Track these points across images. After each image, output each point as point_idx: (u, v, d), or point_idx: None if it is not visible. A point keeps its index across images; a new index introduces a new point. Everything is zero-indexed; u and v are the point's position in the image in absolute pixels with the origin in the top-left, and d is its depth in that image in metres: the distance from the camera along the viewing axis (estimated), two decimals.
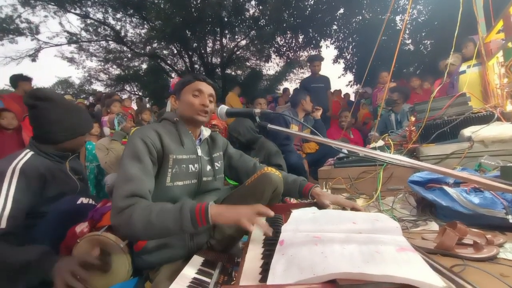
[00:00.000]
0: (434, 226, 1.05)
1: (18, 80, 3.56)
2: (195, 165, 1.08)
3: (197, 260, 0.85)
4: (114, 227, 0.84)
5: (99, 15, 9.97)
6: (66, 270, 0.84)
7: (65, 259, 0.90)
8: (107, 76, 12.12)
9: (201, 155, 1.12)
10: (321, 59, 4.25)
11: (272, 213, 0.79)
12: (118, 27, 10.44)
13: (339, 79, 11.27)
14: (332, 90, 5.87)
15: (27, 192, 1.03)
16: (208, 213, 0.80)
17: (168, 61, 11.65)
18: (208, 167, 1.14)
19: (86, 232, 1.03)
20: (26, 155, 1.11)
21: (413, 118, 1.93)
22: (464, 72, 2.92)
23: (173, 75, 11.65)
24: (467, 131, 1.52)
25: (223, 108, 1.04)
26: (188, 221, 0.79)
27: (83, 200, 1.16)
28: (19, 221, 0.99)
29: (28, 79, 3.62)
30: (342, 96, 6.17)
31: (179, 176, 1.02)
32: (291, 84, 12.61)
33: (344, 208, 1.03)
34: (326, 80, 4.18)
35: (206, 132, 1.20)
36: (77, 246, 0.99)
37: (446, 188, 1.07)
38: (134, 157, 0.91)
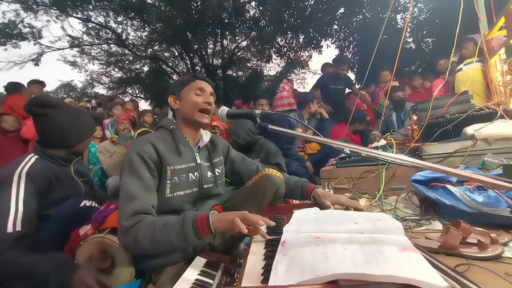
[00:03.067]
0: (437, 225, 1.04)
1: (32, 83, 3.77)
2: (195, 173, 1.06)
3: (199, 262, 0.85)
4: (122, 246, 0.87)
5: (101, 19, 10.07)
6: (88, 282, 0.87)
7: (83, 269, 0.92)
8: (109, 79, 12.22)
9: (200, 163, 1.10)
10: (349, 63, 4.02)
11: (262, 223, 0.75)
12: (119, 30, 10.54)
13: None
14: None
15: (35, 195, 1.04)
16: (210, 222, 0.81)
17: (170, 63, 11.71)
18: (209, 174, 1.12)
19: (89, 234, 1.03)
20: (30, 160, 1.12)
21: (415, 117, 1.92)
22: (460, 70, 2.89)
23: (174, 77, 11.69)
24: (470, 129, 1.51)
25: (224, 109, 1.04)
26: (191, 233, 0.81)
27: (86, 202, 1.17)
28: (33, 223, 1.01)
29: (41, 83, 3.81)
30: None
31: (179, 186, 1.01)
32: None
33: (346, 208, 1.02)
34: (347, 81, 4.01)
35: (206, 137, 1.17)
36: (80, 248, 0.99)
37: (449, 187, 1.06)
38: (133, 174, 0.91)
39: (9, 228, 0.94)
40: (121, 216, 0.85)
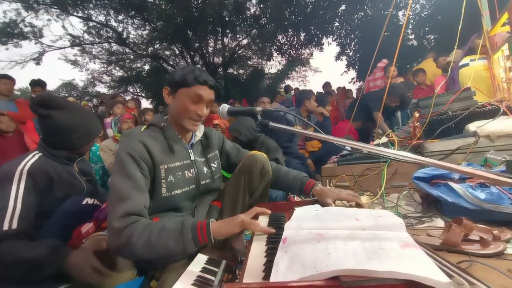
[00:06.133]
0: (439, 222, 1.04)
1: (33, 85, 3.73)
2: (191, 170, 1.05)
3: (201, 259, 0.85)
4: (113, 249, 0.82)
5: (101, 17, 10.08)
6: (85, 265, 0.89)
7: (79, 252, 0.94)
8: (110, 78, 12.23)
9: (195, 159, 1.08)
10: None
11: (268, 212, 0.83)
12: (120, 29, 10.54)
13: (342, 76, 11.27)
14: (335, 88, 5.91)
15: (35, 192, 1.05)
16: (210, 230, 0.81)
17: (170, 62, 11.71)
18: (205, 169, 1.11)
19: (91, 232, 1.04)
20: (34, 157, 1.12)
21: (417, 114, 1.91)
22: (466, 65, 2.87)
23: None
24: (472, 126, 1.50)
25: (225, 107, 1.03)
26: (190, 241, 0.80)
27: (88, 200, 1.17)
28: (30, 221, 1.01)
29: (40, 84, 3.75)
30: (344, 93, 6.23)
31: (176, 184, 0.99)
32: (293, 82, 12.58)
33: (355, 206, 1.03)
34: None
35: (199, 132, 1.14)
36: (82, 246, 1.00)
37: (451, 184, 1.05)
38: (124, 174, 0.87)
39: (5, 226, 0.94)
40: (111, 217, 0.81)
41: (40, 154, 1.15)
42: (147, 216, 0.88)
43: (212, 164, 1.15)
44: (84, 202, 1.15)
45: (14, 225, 0.96)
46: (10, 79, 3.11)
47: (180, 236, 0.80)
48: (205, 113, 1.03)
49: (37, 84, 3.72)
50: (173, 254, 0.85)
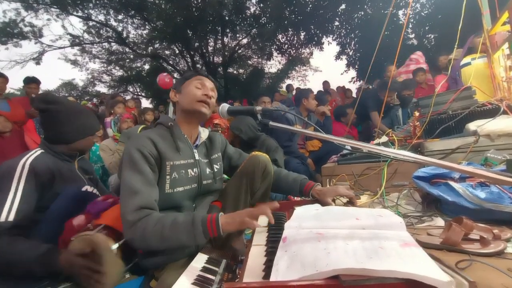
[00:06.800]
0: (439, 221, 1.04)
1: (27, 82, 3.64)
2: (194, 170, 1.07)
3: (201, 258, 0.86)
4: (128, 240, 0.87)
5: (101, 17, 10.07)
6: (75, 267, 0.89)
7: (65, 255, 0.93)
8: (110, 77, 12.22)
9: (198, 159, 1.10)
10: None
11: (277, 205, 0.86)
12: (120, 29, 10.54)
13: (342, 75, 11.25)
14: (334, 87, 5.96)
15: (36, 187, 1.06)
16: (219, 224, 0.84)
17: (170, 61, 11.71)
18: (208, 170, 1.14)
19: (83, 225, 1.02)
20: (35, 153, 1.14)
21: (417, 113, 1.91)
22: (468, 64, 2.87)
23: (175, 75, 11.69)
24: (472, 125, 1.49)
25: (225, 106, 1.04)
26: (201, 234, 0.84)
27: (88, 188, 1.21)
28: (28, 214, 1.02)
29: (35, 81, 3.68)
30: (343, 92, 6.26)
31: (179, 182, 1.02)
32: (293, 82, 12.57)
33: (347, 204, 1.03)
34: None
35: (204, 134, 1.18)
36: (71, 244, 0.97)
37: (451, 183, 1.05)
38: (134, 169, 0.92)
39: (2, 218, 0.95)
40: (125, 211, 0.86)
41: (41, 150, 1.18)
42: (157, 209, 0.91)
43: (214, 166, 1.17)
44: (83, 189, 1.18)
45: (11, 217, 0.97)
46: (2, 77, 3.06)
47: (192, 229, 0.84)
48: (211, 94, 1.11)
49: (32, 81, 3.63)
50: (185, 246, 0.91)
